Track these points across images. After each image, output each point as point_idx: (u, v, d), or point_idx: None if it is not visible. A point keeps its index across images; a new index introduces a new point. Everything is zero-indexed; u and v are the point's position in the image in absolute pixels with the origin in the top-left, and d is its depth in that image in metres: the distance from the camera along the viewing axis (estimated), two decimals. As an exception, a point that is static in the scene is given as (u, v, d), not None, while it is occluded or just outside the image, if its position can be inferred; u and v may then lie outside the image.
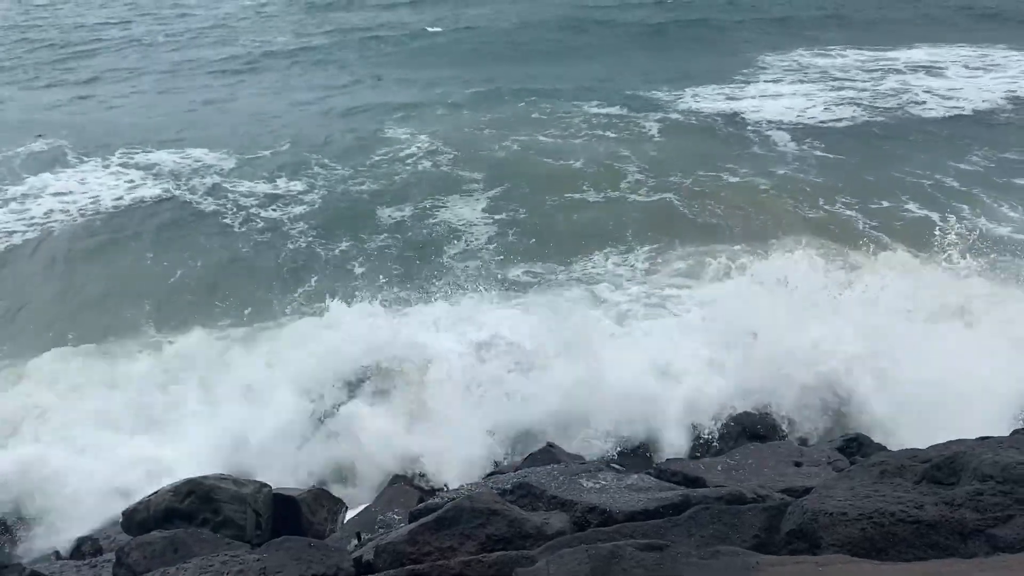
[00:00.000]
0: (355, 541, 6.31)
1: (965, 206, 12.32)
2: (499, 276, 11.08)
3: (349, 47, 28.11)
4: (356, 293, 9.97)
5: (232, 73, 24.78)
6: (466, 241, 12.19)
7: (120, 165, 15.60)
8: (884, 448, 7.24)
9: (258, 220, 13.21)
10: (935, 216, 12.00)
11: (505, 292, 10.65)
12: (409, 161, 15.73)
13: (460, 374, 8.72)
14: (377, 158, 15.94)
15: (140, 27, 34.17)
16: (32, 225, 13.02)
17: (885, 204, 12.63)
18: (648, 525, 5.37)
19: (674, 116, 18.28)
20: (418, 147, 16.46)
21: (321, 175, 15.01)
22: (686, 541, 4.98)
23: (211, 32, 32.12)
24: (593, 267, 11.29)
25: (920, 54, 24.19)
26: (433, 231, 12.66)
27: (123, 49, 29.72)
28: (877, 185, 13.35)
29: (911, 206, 12.59)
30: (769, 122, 17.56)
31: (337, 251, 11.60)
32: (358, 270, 10.73)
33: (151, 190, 14.43)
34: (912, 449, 5.64)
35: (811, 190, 13.24)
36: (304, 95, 21.63)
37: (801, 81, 21.44)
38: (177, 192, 14.35)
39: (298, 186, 14.57)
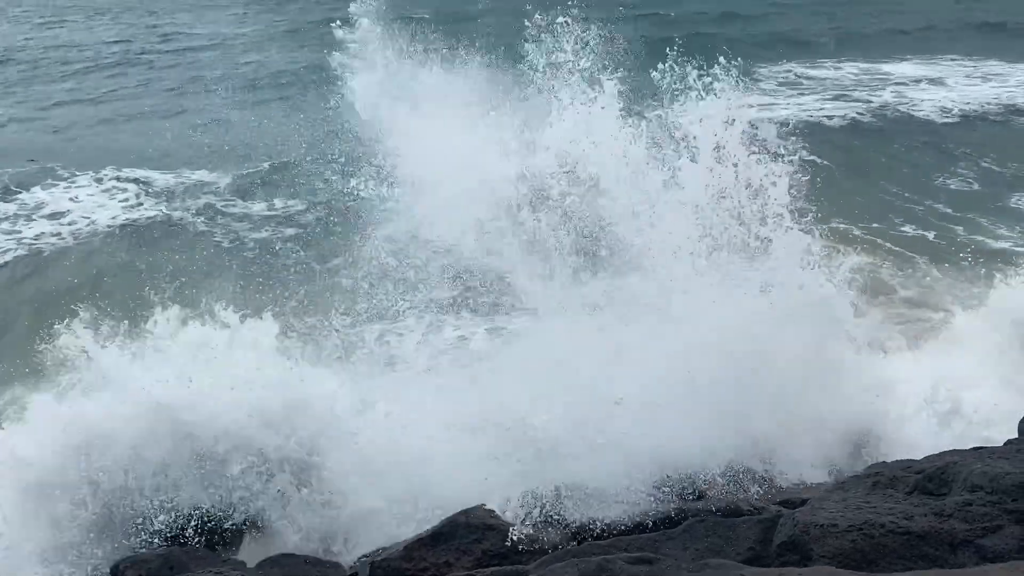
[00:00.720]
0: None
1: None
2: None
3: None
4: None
5: (233, 90, 24.89)
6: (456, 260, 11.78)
7: (115, 187, 15.57)
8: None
9: (254, 241, 13.16)
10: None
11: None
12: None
13: None
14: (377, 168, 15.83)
15: (139, 46, 34.33)
16: (22, 245, 13.07)
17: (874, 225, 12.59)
18: (643, 538, 5.39)
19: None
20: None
21: (321, 190, 15.03)
22: (680, 554, 5.00)
23: (211, 51, 32.32)
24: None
25: (917, 66, 24.32)
26: (428, 248, 12.43)
27: (123, 68, 29.87)
28: (891, 203, 13.29)
29: (906, 227, 12.58)
30: (763, 133, 17.59)
31: (333, 278, 11.46)
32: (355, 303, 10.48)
33: (146, 211, 14.45)
34: (906, 460, 5.67)
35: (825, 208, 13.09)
36: (305, 113, 21.67)
37: (800, 94, 21.56)
38: (173, 213, 14.36)
39: (297, 205, 14.60)
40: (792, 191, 8.11)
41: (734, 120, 8.26)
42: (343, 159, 12.28)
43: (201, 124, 21.03)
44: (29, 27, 40.84)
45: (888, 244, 11.66)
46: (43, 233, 13.56)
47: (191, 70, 28.65)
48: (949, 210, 12.93)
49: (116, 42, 35.67)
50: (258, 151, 17.51)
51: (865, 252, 11.30)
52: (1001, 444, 5.70)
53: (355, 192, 11.48)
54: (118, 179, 15.93)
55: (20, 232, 13.61)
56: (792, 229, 7.98)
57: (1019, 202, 13.08)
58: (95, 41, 36.33)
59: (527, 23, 9.53)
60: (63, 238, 13.45)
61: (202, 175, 16.24)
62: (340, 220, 13.07)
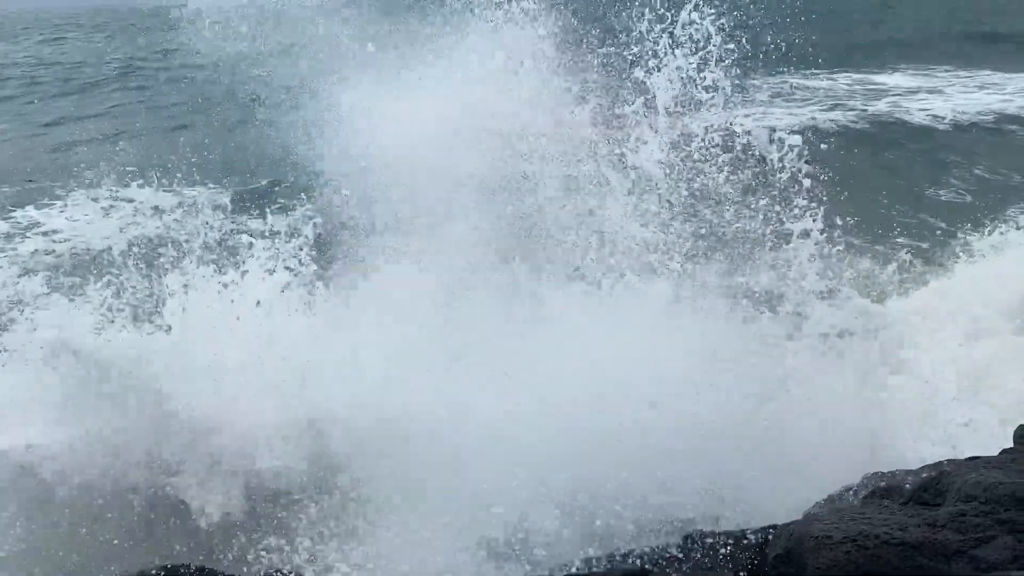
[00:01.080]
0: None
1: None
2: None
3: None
4: None
5: (237, 107, 24.80)
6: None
7: (112, 206, 15.52)
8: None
9: (254, 255, 13.12)
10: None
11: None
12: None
13: None
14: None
15: (140, 64, 34.49)
16: (15, 263, 12.94)
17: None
18: (641, 553, 5.39)
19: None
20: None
21: (318, 201, 14.91)
22: (678, 568, 5.01)
23: (212, 68, 32.39)
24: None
25: (912, 77, 24.45)
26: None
27: (124, 84, 30.02)
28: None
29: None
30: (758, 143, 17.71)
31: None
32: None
33: (141, 229, 14.32)
34: (901, 470, 5.69)
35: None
36: (306, 126, 21.57)
37: (795, 105, 21.66)
38: (168, 231, 14.23)
39: (297, 218, 14.54)
40: (805, 160, 6.60)
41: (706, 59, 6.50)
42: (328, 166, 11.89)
43: (200, 140, 21.06)
44: (29, 44, 40.98)
45: (884, 253, 11.69)
46: (36, 251, 13.53)
47: (195, 87, 28.68)
48: (943, 223, 12.96)
49: (119, 60, 35.83)
50: (260, 166, 17.46)
51: (864, 261, 11.29)
52: (996, 453, 5.73)
53: (346, 201, 11.19)
54: (115, 198, 15.91)
55: (15, 250, 13.57)
56: (810, 210, 6.45)
57: (1012, 211, 13.12)
58: (98, 59, 36.48)
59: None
60: (58, 256, 13.42)
61: (200, 191, 16.26)
62: (336, 230, 12.80)
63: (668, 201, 6.67)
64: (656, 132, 6.68)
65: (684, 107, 6.70)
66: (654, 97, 6.62)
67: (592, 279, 6.70)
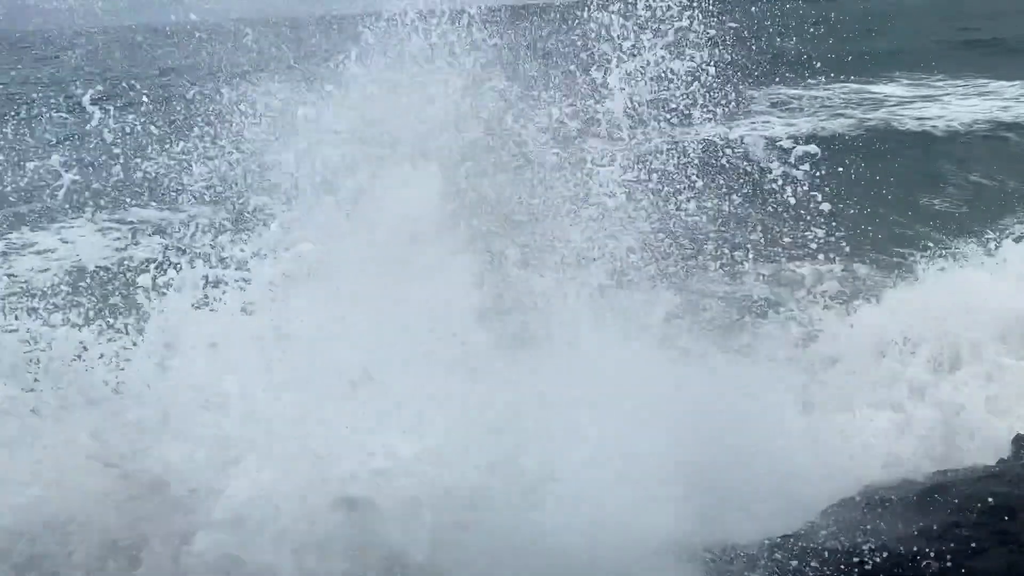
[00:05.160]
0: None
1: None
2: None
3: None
4: None
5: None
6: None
7: (108, 226, 14.92)
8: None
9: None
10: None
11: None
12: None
13: None
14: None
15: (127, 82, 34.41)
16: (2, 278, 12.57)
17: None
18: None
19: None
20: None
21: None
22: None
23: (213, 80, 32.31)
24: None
25: (907, 87, 24.48)
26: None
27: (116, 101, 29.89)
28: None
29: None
30: (754, 154, 17.70)
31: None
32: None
33: (140, 251, 13.84)
34: (898, 480, 5.65)
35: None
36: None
37: (791, 114, 21.71)
38: (167, 251, 13.69)
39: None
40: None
41: None
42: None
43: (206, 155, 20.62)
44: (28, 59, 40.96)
45: (876, 260, 11.56)
46: (32, 268, 13.21)
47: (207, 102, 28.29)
48: (936, 232, 12.82)
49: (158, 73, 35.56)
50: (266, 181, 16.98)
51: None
52: (994, 463, 5.68)
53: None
54: (114, 220, 15.25)
55: (10, 267, 13.23)
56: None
57: (1013, 220, 13.00)
58: (91, 74, 36.31)
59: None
60: (54, 274, 13.06)
61: (201, 210, 15.74)
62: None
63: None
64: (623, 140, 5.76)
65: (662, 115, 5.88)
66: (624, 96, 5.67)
67: None
